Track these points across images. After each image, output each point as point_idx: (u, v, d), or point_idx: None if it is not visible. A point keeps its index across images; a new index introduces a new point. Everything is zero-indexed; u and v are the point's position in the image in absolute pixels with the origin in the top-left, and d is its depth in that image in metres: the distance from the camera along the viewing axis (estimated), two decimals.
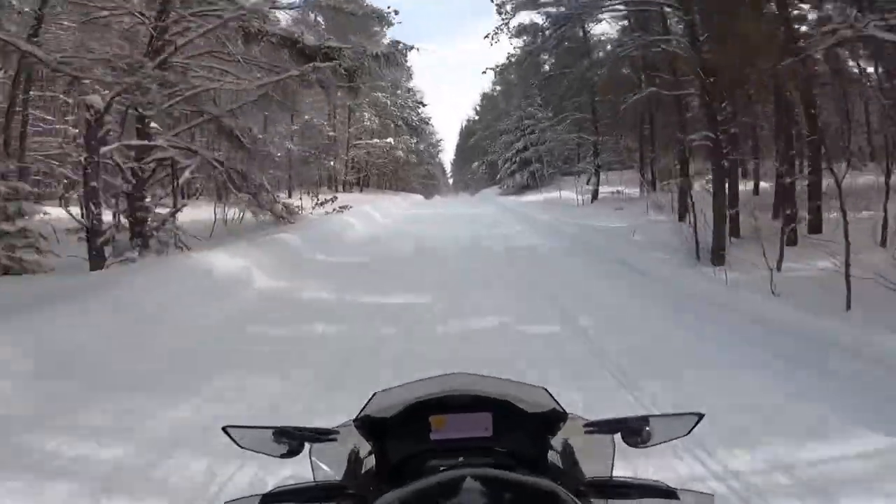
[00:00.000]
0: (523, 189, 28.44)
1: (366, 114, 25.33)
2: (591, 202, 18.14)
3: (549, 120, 27.03)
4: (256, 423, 0.87)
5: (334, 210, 14.11)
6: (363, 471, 0.87)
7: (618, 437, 0.86)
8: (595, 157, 18.60)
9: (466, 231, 12.96)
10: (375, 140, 26.06)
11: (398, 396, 0.88)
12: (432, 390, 0.87)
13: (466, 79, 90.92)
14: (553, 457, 0.87)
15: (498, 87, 44.08)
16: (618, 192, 18.66)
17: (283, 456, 0.85)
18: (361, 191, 29.34)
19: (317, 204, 14.29)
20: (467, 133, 56.14)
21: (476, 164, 44.69)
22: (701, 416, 0.83)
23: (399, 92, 30.40)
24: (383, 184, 36.54)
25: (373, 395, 0.91)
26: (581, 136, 19.30)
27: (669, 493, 0.76)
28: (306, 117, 22.88)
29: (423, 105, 33.26)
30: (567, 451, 0.87)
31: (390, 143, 25.32)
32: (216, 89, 9.83)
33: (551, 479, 0.71)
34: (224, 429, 0.84)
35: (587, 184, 19.67)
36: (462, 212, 20.16)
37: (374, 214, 16.45)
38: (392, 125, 27.51)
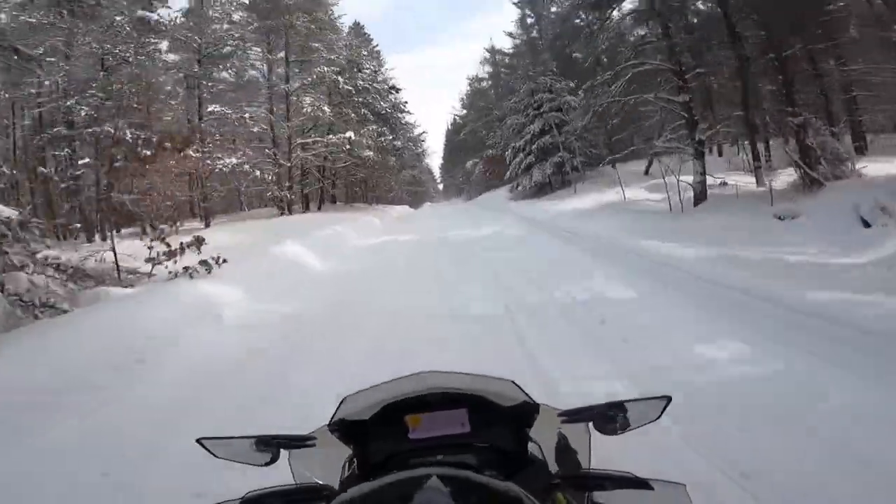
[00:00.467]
0: (543, 189, 20.69)
1: (307, 98, 17.39)
2: (696, 205, 10.38)
3: (569, 92, 19.43)
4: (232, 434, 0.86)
5: (190, 271, 6.22)
6: (346, 475, 0.87)
7: (591, 425, 0.86)
8: (692, 130, 10.80)
9: (507, 315, 4.86)
10: (330, 136, 18.14)
11: (370, 398, 0.88)
12: (403, 390, 0.86)
13: (463, 80, 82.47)
14: (533, 449, 0.88)
15: (488, 69, 36.58)
16: (724, 183, 11.06)
17: (263, 465, 0.85)
18: (320, 208, 21.47)
19: (155, 257, 6.42)
20: (455, 130, 48.48)
21: (471, 162, 36.91)
22: (669, 400, 0.84)
23: (362, 74, 22.51)
24: (356, 196, 28.69)
25: (343, 400, 0.90)
26: (659, 96, 11.49)
27: (643, 483, 0.76)
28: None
29: (397, 90, 25.21)
30: (546, 444, 0.90)
31: (350, 136, 17.34)
32: None
33: (532, 473, 0.76)
34: (199, 441, 0.85)
35: (645, 173, 12.02)
36: (465, 233, 12.26)
37: (303, 260, 8.56)
38: (352, 115, 19.56)
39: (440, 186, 68.23)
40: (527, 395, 0.88)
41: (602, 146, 19.74)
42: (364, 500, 0.62)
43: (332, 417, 0.88)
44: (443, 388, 0.86)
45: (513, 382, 0.90)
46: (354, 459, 0.88)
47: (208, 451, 0.85)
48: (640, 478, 0.77)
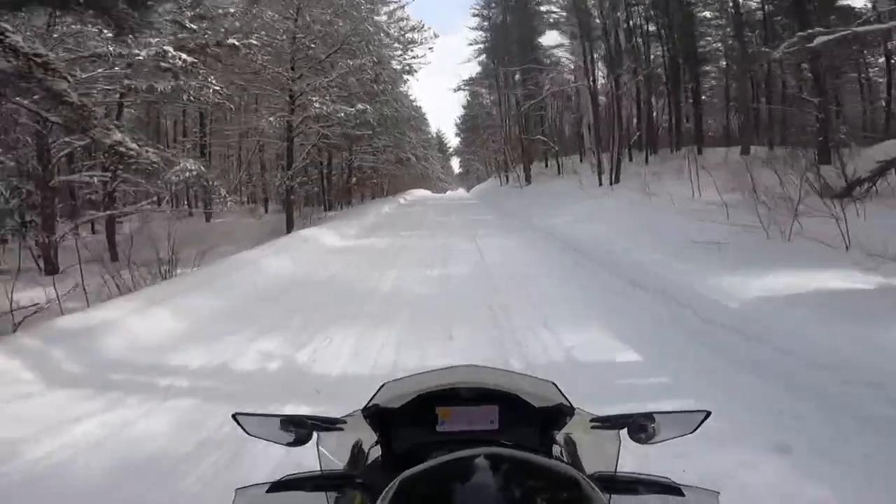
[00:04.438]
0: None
1: None
2: None
3: None
4: (264, 412, 0.90)
5: None
6: (368, 461, 0.90)
7: (623, 432, 0.89)
8: None
9: None
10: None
11: (407, 387, 0.91)
12: (441, 382, 0.91)
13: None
14: (557, 451, 0.90)
15: None
16: None
17: (290, 444, 0.87)
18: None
19: None
20: None
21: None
22: (708, 414, 0.85)
23: None
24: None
25: (381, 386, 0.94)
26: None
27: (675, 489, 0.77)
28: None
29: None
30: (571, 446, 0.92)
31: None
32: None
33: None
34: (234, 416, 0.87)
35: None
36: None
37: None
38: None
39: (455, 163, 56.81)
40: (565, 397, 0.91)
41: None
42: (428, 476, 0.64)
43: (368, 402, 0.91)
44: (477, 384, 0.90)
45: (553, 384, 0.95)
46: (373, 446, 0.91)
47: (241, 426, 0.87)
48: (672, 483, 0.78)
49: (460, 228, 13.04)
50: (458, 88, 29.26)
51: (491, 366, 0.98)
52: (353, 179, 20.07)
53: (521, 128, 22.81)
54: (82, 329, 4.05)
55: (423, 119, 24.04)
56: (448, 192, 46.52)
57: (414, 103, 22.92)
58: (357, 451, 0.90)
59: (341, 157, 18.61)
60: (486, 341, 4.04)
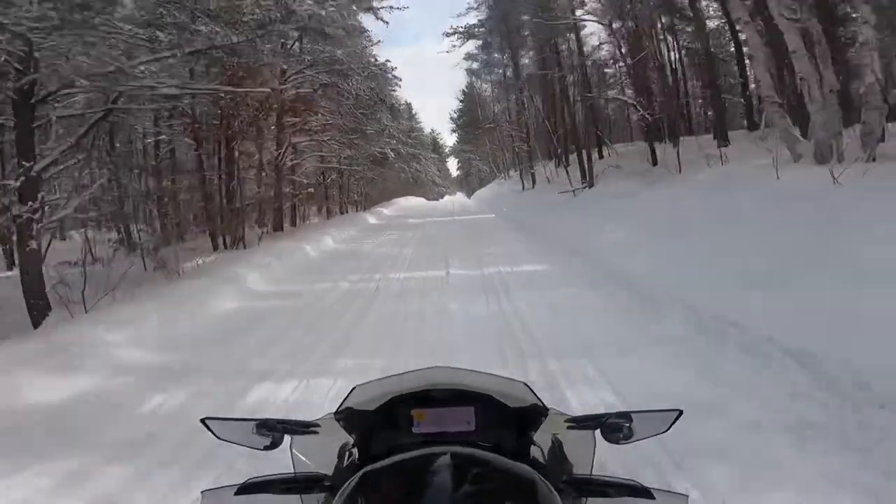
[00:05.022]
0: None
1: None
2: None
3: None
4: (236, 416, 0.92)
5: None
6: (345, 464, 0.89)
7: (598, 433, 0.88)
8: None
9: None
10: None
11: (379, 389, 0.91)
12: (414, 384, 0.90)
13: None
14: (535, 452, 0.90)
15: None
16: None
17: (264, 448, 0.87)
18: None
19: None
20: None
21: None
22: (680, 413, 0.85)
23: None
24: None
25: (353, 389, 0.93)
26: None
27: (645, 492, 0.78)
28: None
29: None
30: (549, 447, 0.92)
31: None
32: None
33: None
34: (203, 421, 0.85)
35: None
36: None
37: None
38: None
39: (452, 165, 49.58)
40: (538, 398, 0.91)
41: None
42: (390, 471, 0.66)
43: (340, 406, 0.90)
44: (451, 385, 0.89)
45: (525, 384, 0.94)
46: (352, 449, 0.90)
47: (211, 431, 0.85)
48: (642, 486, 0.78)
49: None
50: (453, 32, 21.71)
51: (463, 367, 0.97)
52: (271, 192, 11.56)
53: (576, 84, 14.34)
54: None
55: (394, 83, 14.77)
56: (445, 198, 39.37)
57: (384, 63, 13.69)
58: (344, 454, 0.89)
59: (256, 149, 10.21)
60: None
